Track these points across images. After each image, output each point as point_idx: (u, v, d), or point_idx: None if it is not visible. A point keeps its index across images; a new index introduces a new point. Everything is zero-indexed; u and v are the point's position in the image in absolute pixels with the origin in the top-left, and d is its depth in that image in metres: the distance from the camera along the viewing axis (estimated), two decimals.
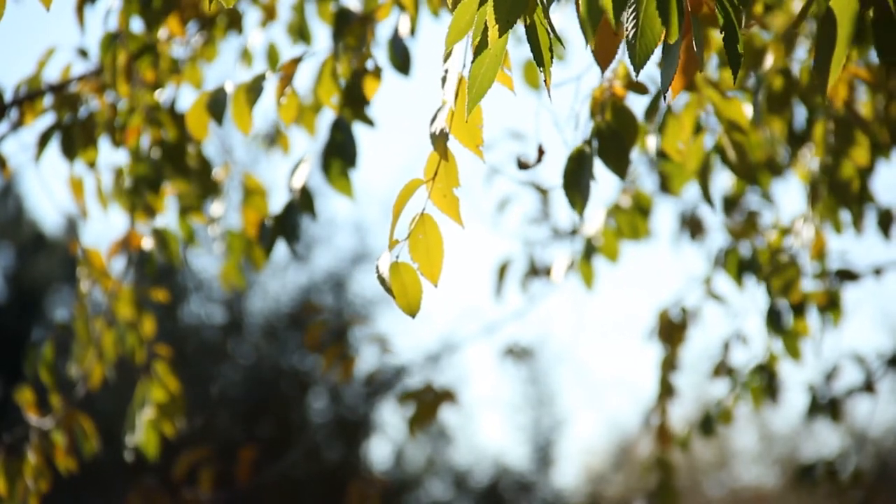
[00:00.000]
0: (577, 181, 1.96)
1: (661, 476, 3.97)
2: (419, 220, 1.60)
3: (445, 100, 1.60)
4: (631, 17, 1.40)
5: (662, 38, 1.41)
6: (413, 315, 1.58)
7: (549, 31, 1.47)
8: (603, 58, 1.69)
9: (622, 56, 2.02)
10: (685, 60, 1.65)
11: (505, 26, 1.39)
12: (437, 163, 1.60)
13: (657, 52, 1.42)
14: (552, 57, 1.48)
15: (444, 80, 1.62)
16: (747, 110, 2.18)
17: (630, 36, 1.41)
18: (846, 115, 2.46)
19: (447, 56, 1.66)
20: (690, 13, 1.47)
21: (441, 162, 1.60)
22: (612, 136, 1.99)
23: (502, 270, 4.08)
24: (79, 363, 3.11)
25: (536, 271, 4.10)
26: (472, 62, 1.47)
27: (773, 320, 3.13)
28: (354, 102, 2.42)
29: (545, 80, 1.49)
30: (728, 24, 1.43)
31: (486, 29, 1.44)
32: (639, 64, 1.41)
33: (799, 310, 3.06)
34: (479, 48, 1.46)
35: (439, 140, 1.59)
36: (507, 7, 1.39)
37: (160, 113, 2.85)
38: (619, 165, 1.98)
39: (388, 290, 1.57)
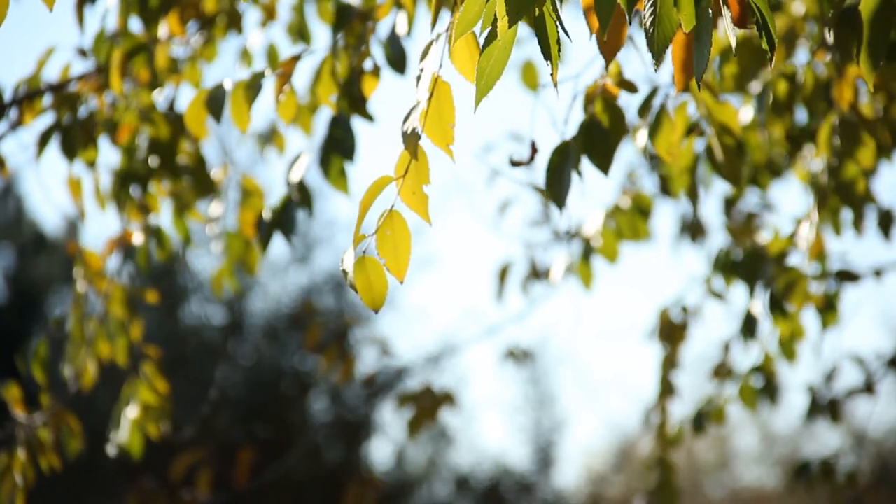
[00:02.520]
0: (558, 175, 1.95)
1: (662, 475, 3.96)
2: (387, 216, 1.61)
3: (419, 99, 1.60)
4: (648, 6, 1.40)
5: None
6: (377, 310, 1.59)
7: (559, 24, 1.46)
8: (608, 50, 1.68)
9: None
10: (689, 57, 1.64)
11: (515, 18, 1.38)
12: (407, 161, 1.60)
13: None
14: (560, 51, 1.48)
15: (418, 79, 1.62)
16: (743, 113, 2.17)
17: (648, 24, 1.40)
18: (852, 117, 2.45)
19: (423, 55, 1.65)
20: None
21: (411, 160, 1.60)
22: (599, 131, 1.99)
23: (503, 273, 4.07)
24: (72, 362, 3.11)
25: (537, 274, 4.09)
26: (481, 54, 1.46)
27: (749, 325, 3.12)
28: (353, 100, 2.42)
29: (552, 74, 1.48)
30: (760, 13, 1.42)
31: (495, 21, 1.43)
32: (657, 53, 1.40)
33: (781, 309, 3.02)
34: (488, 40, 1.45)
35: (410, 139, 1.59)
36: None
37: (154, 112, 2.84)
38: (604, 161, 1.98)
39: (351, 285, 1.58)
